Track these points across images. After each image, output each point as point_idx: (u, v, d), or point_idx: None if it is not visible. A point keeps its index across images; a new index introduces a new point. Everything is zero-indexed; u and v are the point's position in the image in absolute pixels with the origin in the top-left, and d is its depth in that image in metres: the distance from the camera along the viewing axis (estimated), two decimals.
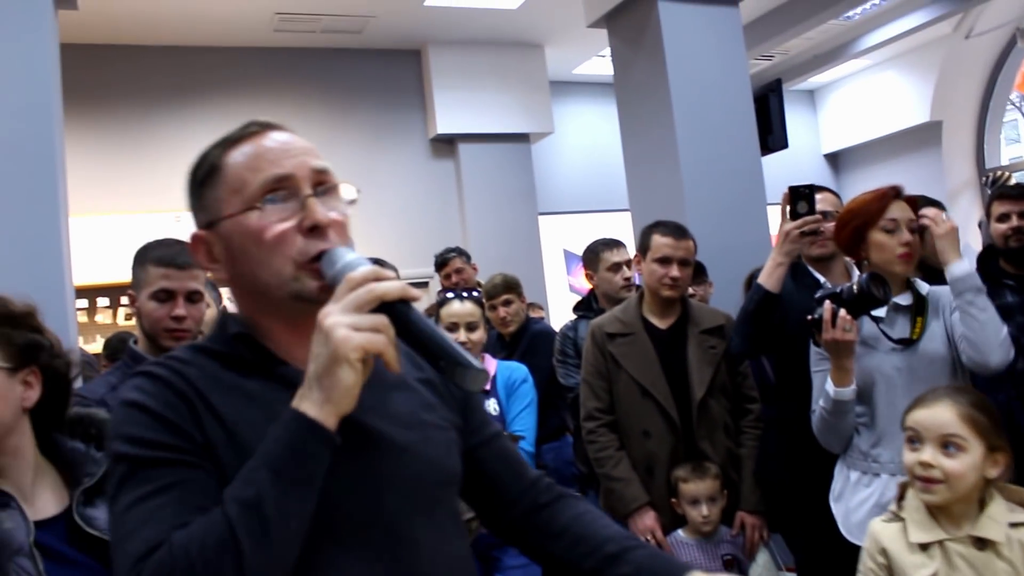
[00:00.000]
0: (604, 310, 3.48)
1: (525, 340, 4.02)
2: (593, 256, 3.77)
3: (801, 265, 2.94)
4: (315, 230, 1.11)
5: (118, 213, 6.45)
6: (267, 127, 1.19)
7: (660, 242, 3.03)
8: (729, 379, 3.04)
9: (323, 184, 1.16)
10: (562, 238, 8.33)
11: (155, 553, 0.96)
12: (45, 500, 1.51)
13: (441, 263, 4.86)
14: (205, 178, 1.17)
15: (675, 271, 2.99)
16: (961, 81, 9.07)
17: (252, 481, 0.97)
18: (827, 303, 2.44)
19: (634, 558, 1.22)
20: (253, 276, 1.13)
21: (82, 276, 4.47)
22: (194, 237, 1.19)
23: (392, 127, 7.60)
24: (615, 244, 3.78)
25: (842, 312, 2.40)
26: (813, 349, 2.60)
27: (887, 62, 9.35)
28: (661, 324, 3.06)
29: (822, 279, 2.88)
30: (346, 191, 1.19)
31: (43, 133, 3.52)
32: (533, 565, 1.68)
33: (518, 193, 7.77)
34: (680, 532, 2.90)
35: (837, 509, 2.55)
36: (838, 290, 2.45)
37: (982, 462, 1.86)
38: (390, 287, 1.01)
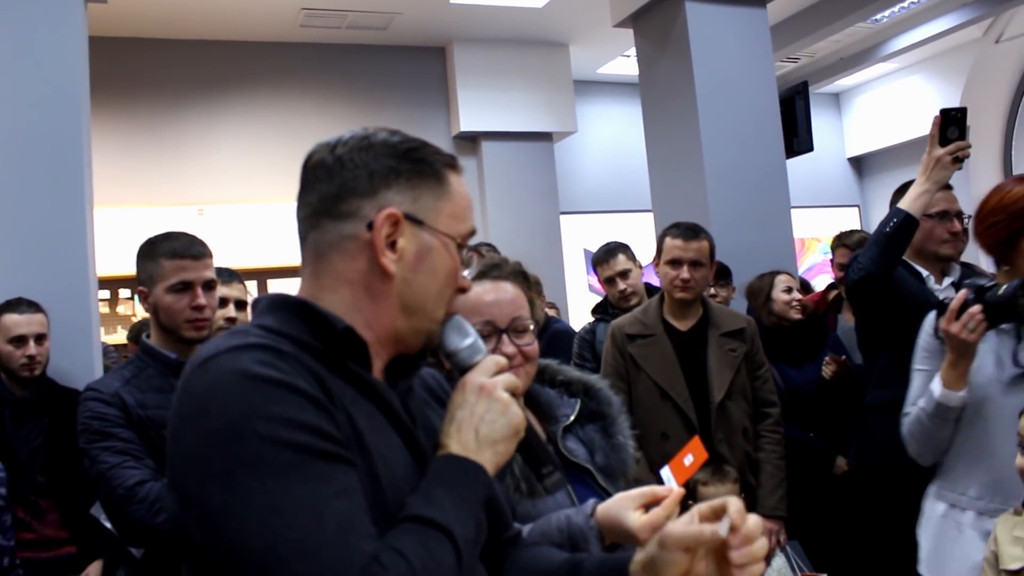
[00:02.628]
0: (620, 313, 3.47)
1: (544, 339, 4.01)
2: (594, 268, 3.84)
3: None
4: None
5: (141, 205, 6.50)
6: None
7: (670, 244, 3.03)
8: (748, 382, 3.02)
9: None
10: (583, 238, 8.31)
11: (391, 565, 0.94)
12: None
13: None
14: (425, 172, 1.14)
15: (685, 273, 2.98)
16: (990, 86, 8.97)
17: (466, 522, 1.04)
18: (963, 291, 2.11)
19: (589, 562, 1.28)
20: (423, 296, 1.12)
21: (105, 267, 4.51)
22: (392, 215, 1.09)
23: (415, 124, 7.60)
24: (608, 257, 3.78)
25: (975, 308, 2.07)
26: (920, 344, 2.31)
27: (914, 66, 9.25)
28: (681, 326, 3.05)
29: (924, 272, 2.81)
30: None
31: (71, 124, 3.55)
32: None
33: (540, 192, 7.75)
34: None
35: (921, 540, 2.31)
36: (987, 284, 2.13)
37: None
38: (520, 383, 1.20)
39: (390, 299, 1.11)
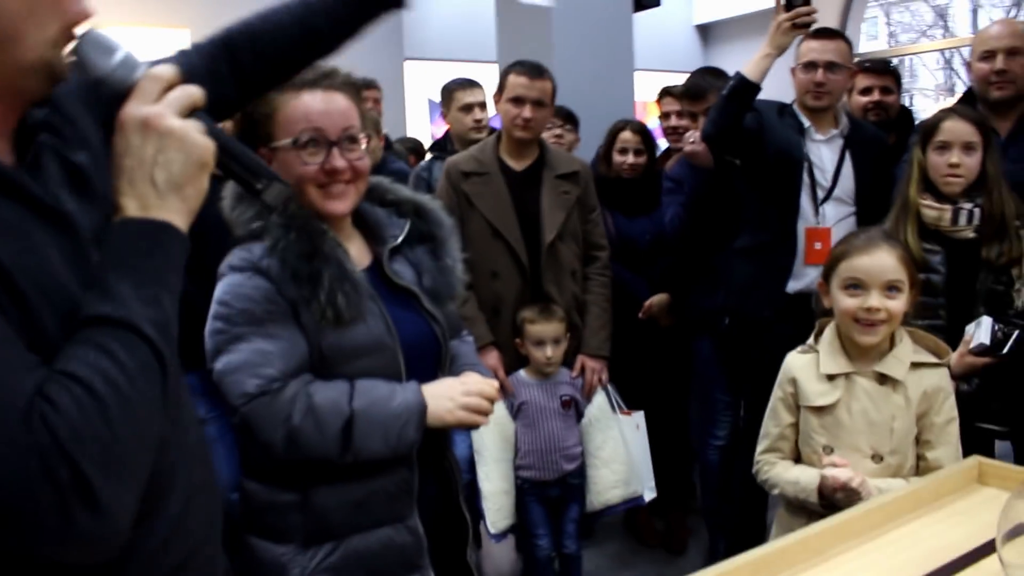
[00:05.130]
0: (458, 151, 3.41)
1: None
2: (447, 95, 3.75)
3: (790, 108, 2.97)
4: None
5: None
6: None
7: (514, 81, 2.96)
8: (580, 225, 3.05)
9: None
10: (428, 87, 8.09)
11: (59, 398, 0.78)
12: (359, 256, 1.67)
13: (367, 85, 4.61)
14: None
15: (527, 112, 2.93)
16: None
17: (153, 301, 0.87)
18: None
19: None
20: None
21: None
22: None
23: None
24: (470, 84, 3.74)
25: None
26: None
27: None
28: (517, 166, 3.02)
29: (807, 123, 2.91)
30: None
31: None
32: None
33: (383, 35, 7.42)
34: (522, 372, 2.95)
35: None
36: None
37: (910, 300, 1.96)
38: (201, 92, 0.96)
39: None
